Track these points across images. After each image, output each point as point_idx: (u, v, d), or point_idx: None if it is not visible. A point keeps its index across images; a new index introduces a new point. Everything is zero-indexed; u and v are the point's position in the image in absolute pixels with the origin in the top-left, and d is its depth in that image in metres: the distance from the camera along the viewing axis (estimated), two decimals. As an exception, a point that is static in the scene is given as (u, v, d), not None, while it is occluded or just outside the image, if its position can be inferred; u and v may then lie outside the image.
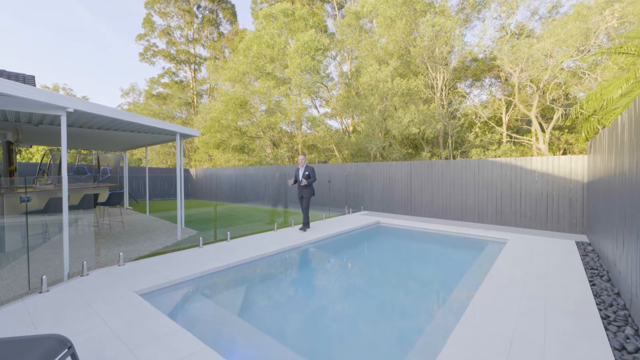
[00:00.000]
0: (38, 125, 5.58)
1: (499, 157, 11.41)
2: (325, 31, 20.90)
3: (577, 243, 5.87)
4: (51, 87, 26.74)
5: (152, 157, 25.71)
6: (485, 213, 8.18)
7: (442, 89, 14.24)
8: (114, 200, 7.12)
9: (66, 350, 1.86)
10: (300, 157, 7.20)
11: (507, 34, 13.65)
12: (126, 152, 11.93)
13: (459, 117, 14.44)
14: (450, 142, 13.97)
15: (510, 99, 14.28)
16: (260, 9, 18.25)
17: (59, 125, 5.73)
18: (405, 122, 12.24)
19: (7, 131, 6.71)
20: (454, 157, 14.32)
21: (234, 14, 29.54)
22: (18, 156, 19.67)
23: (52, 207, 5.37)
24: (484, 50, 14.93)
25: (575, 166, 6.96)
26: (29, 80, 7.77)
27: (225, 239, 5.99)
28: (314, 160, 18.86)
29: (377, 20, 16.00)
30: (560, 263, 4.59)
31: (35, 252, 5.15)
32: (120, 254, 4.47)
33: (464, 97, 16.01)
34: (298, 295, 4.00)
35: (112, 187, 8.92)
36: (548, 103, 12.70)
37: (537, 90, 12.65)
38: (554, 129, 14.25)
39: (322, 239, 6.54)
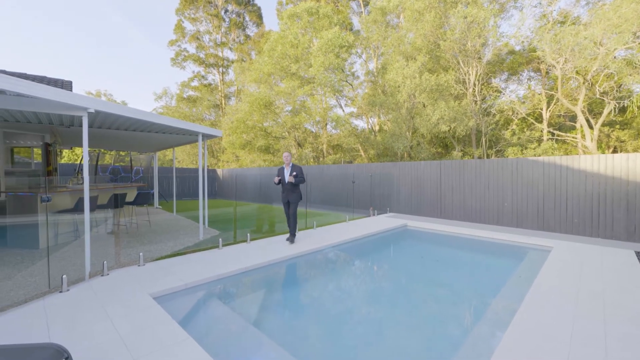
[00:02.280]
0: (69, 127, 5.80)
1: (540, 155, 10.48)
2: (351, 29, 20.55)
3: (638, 254, 5.12)
4: (94, 92, 28.66)
5: (182, 157, 26.69)
6: (524, 217, 7.47)
7: (474, 84, 13.39)
8: (141, 199, 7.29)
9: (63, 360, 1.75)
10: (285, 154, 6.01)
11: (548, 22, 12.56)
12: (156, 153, 12.34)
13: (494, 114, 13.49)
14: (484, 141, 13.09)
15: (552, 93, 13.13)
16: (285, 10, 18.27)
17: (90, 127, 5.94)
18: (434, 119, 11.62)
19: (44, 133, 7.09)
20: (487, 157, 13.41)
21: (260, 16, 29.98)
22: (64, 157, 21.18)
23: (82, 206, 5.53)
24: (522, 42, 13.86)
25: (633, 165, 6.12)
26: (66, 85, 8.19)
27: (245, 241, 5.89)
28: (338, 160, 18.56)
29: (404, 15, 15.41)
30: (620, 277, 3.97)
31: (65, 249, 5.33)
32: (140, 254, 4.47)
33: (500, 92, 14.96)
34: (319, 304, 3.75)
35: (139, 187, 9.20)
36: (597, 96, 11.49)
37: (583, 83, 11.49)
38: (603, 125, 12.91)
39: (345, 242, 6.25)
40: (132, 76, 47.89)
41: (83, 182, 7.38)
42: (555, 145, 12.08)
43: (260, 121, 18.03)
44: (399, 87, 12.89)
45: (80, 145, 10.82)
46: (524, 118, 14.05)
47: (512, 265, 5.29)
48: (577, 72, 11.59)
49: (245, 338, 2.82)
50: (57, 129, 6.60)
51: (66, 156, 21.88)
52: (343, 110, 19.06)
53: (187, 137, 7.81)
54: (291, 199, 5.90)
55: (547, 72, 14.45)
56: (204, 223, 7.57)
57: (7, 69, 8.49)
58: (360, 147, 17.16)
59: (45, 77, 8.56)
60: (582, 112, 11.80)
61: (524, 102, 14.45)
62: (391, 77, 12.86)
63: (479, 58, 13.40)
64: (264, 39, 25.36)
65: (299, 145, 19.65)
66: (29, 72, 8.75)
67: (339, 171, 12.44)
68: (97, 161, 12.65)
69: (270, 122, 18.62)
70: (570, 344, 2.44)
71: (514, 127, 13.81)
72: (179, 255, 4.97)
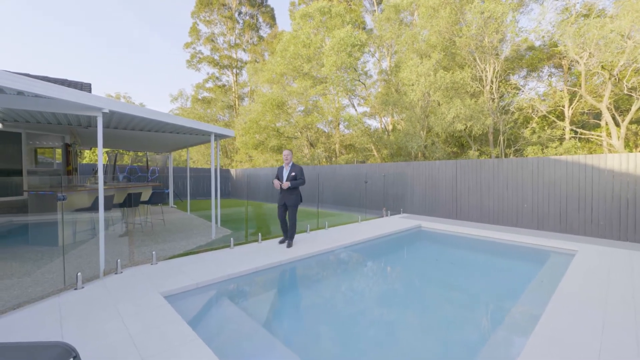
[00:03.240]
0: (87, 127, 5.94)
1: (562, 155, 10.04)
2: (364, 28, 20.38)
3: (672, 259, 4.78)
4: (114, 95, 29.56)
5: (197, 158, 27.15)
6: (545, 218, 7.15)
7: (492, 82, 12.98)
8: (156, 199, 7.41)
9: (71, 359, 1.75)
10: (285, 152, 5.49)
11: (571, 15, 12.03)
12: (171, 153, 12.57)
13: (513, 112, 13.04)
14: (502, 140, 12.67)
15: (575, 89, 12.56)
16: (298, 10, 18.29)
17: (107, 127, 6.08)
18: (449, 118, 11.33)
19: (65, 134, 7.32)
20: (505, 156, 12.98)
21: (273, 17, 30.18)
22: (85, 158, 21.92)
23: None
24: (543, 37, 13.32)
25: (666, 165, 5.75)
26: (85, 87, 8.44)
27: (257, 240, 5.87)
28: (351, 160, 18.42)
29: (418, 12, 15.13)
30: (653, 284, 3.71)
31: (83, 247, 5.46)
32: (153, 252, 4.51)
33: (518, 89, 14.46)
34: (329, 307, 3.66)
35: (154, 187, 9.37)
36: (624, 92, 10.90)
37: (609, 78, 10.94)
38: (630, 122, 12.25)
39: (357, 243, 6.14)
40: (150, 79, 49.24)
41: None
42: (579, 144, 11.56)
43: (272, 121, 18.11)
44: (412, 85, 12.65)
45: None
46: (544, 116, 13.51)
47: (533, 269, 5.05)
48: (602, 67, 11.05)
49: (255, 340, 2.77)
50: (76, 129, 6.80)
51: (87, 157, 22.64)
52: (356, 110, 18.92)
53: (200, 138, 7.89)
54: (289, 202, 5.38)
55: (569, 68, 13.86)
56: (216, 222, 7.63)
57: (31, 73, 8.82)
58: (373, 147, 16.97)
59: (66, 80, 8.85)
60: (608, 109, 11.23)
61: (544, 100, 13.91)
62: (405, 75, 12.63)
63: (497, 54, 12.98)
64: (276, 40, 25.50)
65: (312, 145, 19.63)
66: (50, 76, 9.07)
67: (352, 171, 12.32)
68: (115, 161, 12.99)
69: (282, 122, 18.68)
70: (600, 355, 2.26)
71: (534, 125, 13.30)
72: (191, 254, 4.99)
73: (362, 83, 17.07)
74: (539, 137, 12.69)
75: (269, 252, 5.10)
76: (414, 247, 6.63)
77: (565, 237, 6.40)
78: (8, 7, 35.24)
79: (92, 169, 14.24)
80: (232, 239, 5.52)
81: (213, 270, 4.11)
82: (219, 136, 6.98)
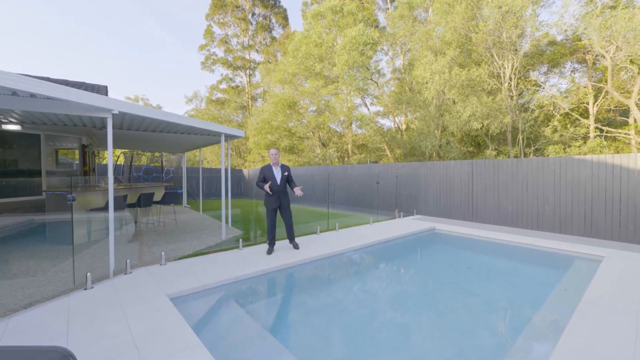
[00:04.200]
0: (102, 129, 6.05)
1: (586, 154, 9.54)
2: (376, 26, 20.10)
3: None
4: (132, 97, 30.41)
5: (211, 158, 27.54)
6: (569, 222, 6.78)
7: (510, 78, 12.50)
8: (168, 199, 7.49)
9: (69, 365, 1.71)
10: (273, 151, 5.16)
11: (596, 7, 11.43)
12: (185, 153, 12.74)
13: (532, 110, 12.51)
14: (520, 139, 12.19)
15: (600, 85, 11.93)
16: (310, 10, 18.23)
17: (120, 129, 6.17)
18: (465, 116, 10.98)
19: (81, 136, 7.50)
20: (525, 155, 12.47)
21: (286, 18, 30.27)
22: (105, 159, 22.58)
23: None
24: (565, 30, 12.73)
25: None
26: (101, 90, 8.64)
27: (266, 241, 5.81)
28: (364, 160, 18.21)
29: (432, 8, 14.78)
30: (691, 295, 3.40)
31: (96, 246, 5.55)
32: (162, 253, 4.52)
33: (539, 86, 13.88)
34: (339, 312, 3.54)
35: (167, 187, 9.50)
36: (655, 87, 10.25)
37: (638, 73, 10.33)
38: (662, 119, 11.53)
39: (368, 245, 5.98)
40: (167, 81, 50.45)
41: (117, 183, 7.75)
42: (605, 143, 10.96)
43: (284, 122, 18.12)
44: (426, 83, 12.35)
45: (116, 147, 11.41)
46: (567, 113, 12.91)
47: (556, 275, 4.77)
48: (631, 61, 10.45)
49: (260, 347, 2.69)
50: (92, 131, 6.94)
51: (106, 158, 23.33)
52: (368, 109, 18.68)
53: (211, 138, 7.93)
54: (284, 204, 5.18)
55: (594, 63, 13.17)
56: (226, 222, 7.64)
57: (52, 77, 9.10)
58: (386, 147, 16.70)
59: (83, 83, 9.09)
60: (637, 105, 10.60)
61: (566, 97, 13.30)
62: (418, 73, 12.34)
63: (515, 50, 12.49)
64: (289, 40, 25.55)
65: (323, 145, 19.53)
66: (70, 79, 9.33)
67: (363, 171, 12.14)
68: (131, 162, 13.30)
69: (294, 123, 18.66)
70: (634, 376, 2.06)
71: (556, 123, 12.73)
72: (201, 255, 4.99)
73: (375, 82, 16.83)
74: (561, 135, 12.13)
75: (277, 254, 5.03)
76: (427, 250, 6.42)
77: (590, 241, 6.04)
78: (35, 12, 36.88)
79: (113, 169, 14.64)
80: (240, 240, 5.49)
81: (221, 272, 4.07)
82: (229, 136, 6.98)
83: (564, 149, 11.41)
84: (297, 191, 5.13)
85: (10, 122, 5.52)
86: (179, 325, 2.65)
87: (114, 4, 41.93)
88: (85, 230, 5.87)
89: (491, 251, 6.11)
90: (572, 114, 12.68)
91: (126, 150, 13.86)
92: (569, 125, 12.79)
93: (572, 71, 14.62)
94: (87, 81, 9.67)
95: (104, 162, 22.61)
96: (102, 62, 46.22)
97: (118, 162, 13.98)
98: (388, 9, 20.52)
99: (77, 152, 7.94)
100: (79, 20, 41.50)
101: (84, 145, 7.75)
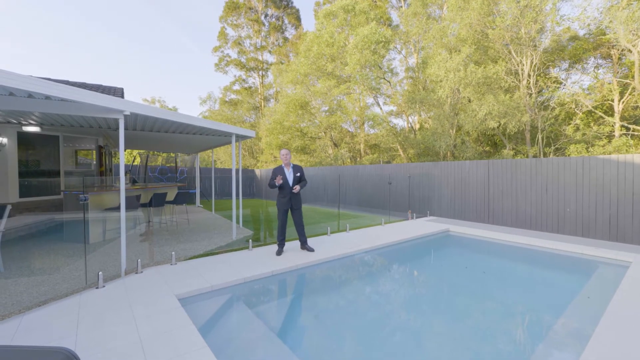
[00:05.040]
0: (116, 130, 6.17)
1: (611, 154, 9.07)
2: (389, 24, 19.86)
3: None
4: (150, 99, 31.21)
5: (225, 158, 27.88)
6: (592, 225, 6.45)
7: (529, 75, 12.06)
8: (181, 199, 7.58)
9: (73, 366, 1.71)
10: (285, 151, 5.13)
11: (622, -1, 10.86)
12: (198, 154, 12.92)
13: (553, 107, 12.03)
14: (540, 138, 11.74)
15: (627, 81, 11.34)
16: (322, 10, 18.18)
17: (134, 130, 6.28)
18: (480, 115, 10.66)
19: (98, 137, 7.69)
20: (544, 155, 12.01)
21: (298, 18, 30.34)
22: (125, 159, 23.25)
23: (126, 204, 5.85)
24: (588, 25, 12.17)
25: None
26: (117, 92, 8.85)
27: (276, 242, 5.78)
28: (376, 160, 18.00)
29: (447, 5, 14.45)
30: None
31: (111, 245, 5.66)
32: (173, 253, 4.55)
33: (560, 83, 13.34)
34: (348, 316, 3.46)
35: (179, 187, 9.64)
36: (687, 83, 9.66)
37: (669, 68, 9.75)
38: (695, 116, 10.86)
39: (380, 247, 5.86)
40: (183, 83, 51.59)
41: (127, 183, 7.92)
42: (631, 142, 10.41)
43: (296, 122, 18.13)
44: (441, 81, 12.07)
45: (131, 148, 11.68)
46: (590, 111, 12.35)
47: (579, 281, 4.52)
48: (660, 56, 9.87)
49: (266, 350, 2.64)
50: (107, 132, 7.11)
51: (125, 158, 24.02)
52: (381, 109, 18.45)
53: (222, 139, 7.98)
54: (296, 205, 5.12)
55: (619, 58, 12.55)
56: (237, 222, 7.67)
57: (70, 79, 9.38)
58: (399, 147, 16.45)
59: (100, 86, 9.34)
60: (667, 102, 10.01)
61: (589, 94, 12.72)
62: (432, 71, 12.08)
63: (535, 46, 12.04)
64: (301, 41, 25.59)
65: (335, 145, 19.43)
66: (87, 82, 9.61)
67: (375, 171, 11.97)
68: (146, 162, 13.59)
69: (306, 123, 18.65)
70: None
71: (578, 121, 12.19)
72: (211, 255, 5.00)
73: (388, 81, 16.61)
74: (584, 134, 11.61)
75: (287, 255, 4.99)
76: (441, 253, 6.24)
77: (616, 246, 5.71)
78: (65, 18, 38.40)
79: (129, 170, 15.03)
80: (250, 240, 5.47)
81: (230, 273, 4.05)
82: (240, 137, 7.00)
83: (587, 148, 10.92)
84: (296, 188, 5.04)
85: (30, 124, 5.71)
86: (185, 327, 2.63)
87: (136, 10, 43.21)
88: (100, 229, 6.00)
89: (508, 255, 5.88)
90: (596, 111, 12.11)
91: (142, 150, 14.19)
92: (592, 124, 12.23)
93: (595, 67, 13.98)
94: (104, 84, 9.94)
95: (125, 162, 23.20)
96: (122, 66, 47.74)
97: (134, 163, 14.33)
98: (401, 6, 20.23)
99: (94, 152, 8.17)
100: (105, 24, 43.00)
101: (101, 146, 7.96)
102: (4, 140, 6.58)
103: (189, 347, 2.33)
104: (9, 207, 4.27)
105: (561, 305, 3.58)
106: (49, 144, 7.20)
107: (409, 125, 18.35)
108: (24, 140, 6.97)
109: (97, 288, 3.51)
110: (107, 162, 8.58)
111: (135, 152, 21.87)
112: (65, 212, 6.03)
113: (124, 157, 23.52)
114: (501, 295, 4.06)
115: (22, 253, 5.17)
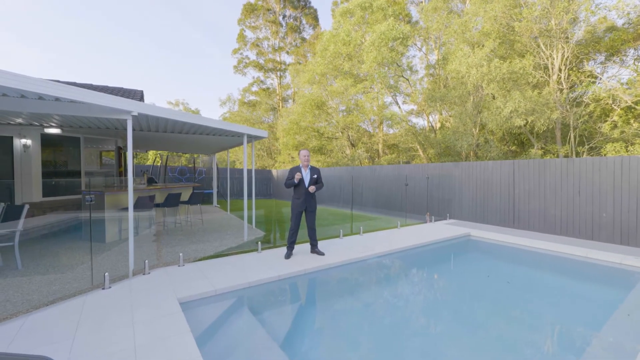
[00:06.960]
0: (133, 131, 6.26)
1: (654, 153, 8.28)
2: (409, 21, 19.32)
3: None
4: (174, 102, 32.19)
5: (242, 159, 28.27)
6: (632, 232, 5.85)
7: (560, 70, 11.29)
8: (195, 199, 7.63)
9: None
10: (304, 152, 5.02)
11: (667, -16, 9.92)
12: (214, 154, 13.08)
13: (587, 104, 11.19)
14: (572, 136, 10.95)
15: (672, 73, 10.35)
16: (338, 8, 17.97)
17: (149, 131, 6.35)
18: (506, 112, 10.06)
19: (117, 138, 7.90)
20: (577, 155, 11.19)
21: (316, 18, 30.27)
22: (148, 160, 24.05)
23: (140, 204, 5.95)
24: (627, 13, 11.21)
25: None
26: (136, 94, 9.07)
27: (286, 244, 5.65)
28: (395, 160, 17.55)
29: (470, -2, 13.83)
30: None
31: (125, 244, 5.74)
32: (180, 254, 4.52)
33: (595, 77, 12.39)
34: (358, 327, 3.25)
35: (195, 187, 9.74)
36: None
37: None
38: None
39: (395, 251, 5.59)
40: (205, 85, 53.04)
41: (143, 183, 8.07)
42: (678, 140, 9.47)
43: (313, 122, 18.02)
44: (462, 78, 11.54)
45: (151, 149, 11.98)
46: (629, 107, 11.37)
47: (617, 294, 4.07)
48: None
49: (264, 362, 2.49)
50: (125, 133, 7.27)
51: (151, 158, 24.79)
52: (400, 108, 17.98)
53: (236, 139, 7.96)
54: (310, 207, 4.98)
55: (664, 49, 11.48)
56: (250, 223, 7.62)
57: (94, 83, 9.72)
58: (418, 147, 15.94)
59: (121, 88, 9.61)
60: None
61: (629, 88, 11.72)
62: (454, 67, 11.57)
63: (566, 38, 11.25)
64: (318, 40, 25.49)
65: (352, 145, 19.15)
66: (110, 85, 9.92)
67: (393, 172, 11.62)
68: (166, 162, 13.93)
69: (323, 123, 18.49)
70: None
71: (616, 118, 11.26)
72: (220, 256, 4.94)
73: (407, 79, 16.15)
74: (622, 132, 10.71)
75: (296, 258, 4.84)
76: (460, 259, 5.88)
77: (661, 255, 5.13)
78: (92, 23, 40.52)
79: (141, 171, 15.51)
80: (259, 242, 5.37)
81: (235, 276, 3.95)
82: (252, 137, 6.94)
83: (626, 147, 10.05)
84: (311, 188, 4.90)
85: (51, 126, 5.91)
86: (183, 334, 2.53)
87: (160, 15, 44.87)
88: (116, 228, 6.12)
89: (535, 262, 5.43)
90: (637, 107, 11.14)
91: (165, 152, 14.56)
92: (632, 121, 11.26)
93: (635, 59, 12.88)
94: (124, 86, 10.24)
95: (144, 162, 24.07)
96: (149, 70, 49.70)
97: (155, 163, 14.74)
98: (422, 2, 19.65)
99: (112, 153, 8.42)
100: (131, 28, 44.96)
101: (120, 147, 8.19)
102: (28, 141, 6.89)
103: (182, 357, 2.22)
104: (26, 207, 4.39)
105: (599, 321, 3.20)
106: (70, 145, 7.49)
107: (430, 124, 17.77)
108: (47, 142, 7.28)
109: (103, 289, 3.51)
110: (125, 163, 8.82)
111: (159, 153, 22.59)
112: (83, 211, 6.20)
113: (150, 157, 24.34)
114: (528, 309, 3.69)
115: (42, 251, 5.34)
